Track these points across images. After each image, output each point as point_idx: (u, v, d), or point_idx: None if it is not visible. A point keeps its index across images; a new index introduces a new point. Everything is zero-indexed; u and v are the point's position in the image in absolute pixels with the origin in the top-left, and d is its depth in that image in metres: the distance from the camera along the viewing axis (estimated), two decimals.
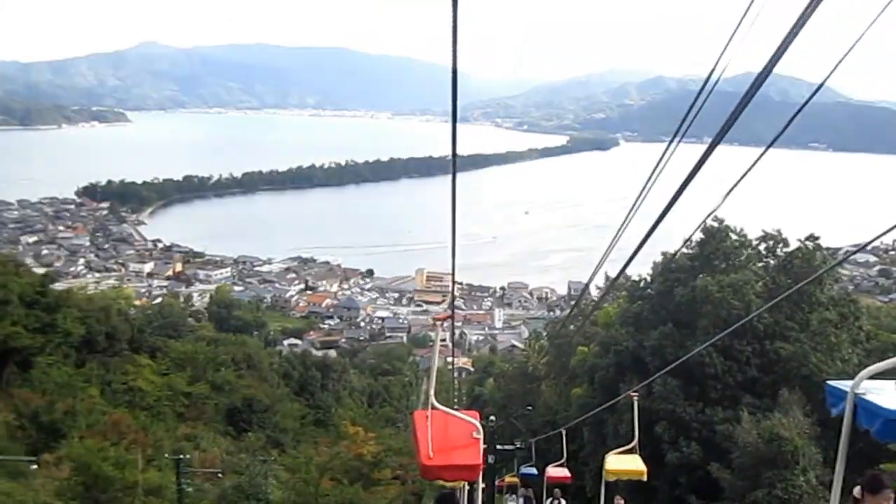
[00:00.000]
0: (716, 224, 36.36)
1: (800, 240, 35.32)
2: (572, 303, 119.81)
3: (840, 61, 5.78)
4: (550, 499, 25.57)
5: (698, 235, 36.64)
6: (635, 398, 20.72)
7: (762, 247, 37.21)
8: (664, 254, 38.11)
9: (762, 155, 6.57)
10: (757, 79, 5.15)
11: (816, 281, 31.35)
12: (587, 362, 41.08)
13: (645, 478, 19.19)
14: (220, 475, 32.36)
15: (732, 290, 32.13)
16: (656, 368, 30.27)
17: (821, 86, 6.38)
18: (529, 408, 41.49)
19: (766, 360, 31.82)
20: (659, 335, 34.12)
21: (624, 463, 19.51)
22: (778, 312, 31.58)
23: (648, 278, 42.04)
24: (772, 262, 36.79)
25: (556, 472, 28.73)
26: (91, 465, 25.84)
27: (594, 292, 60.28)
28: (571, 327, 53.79)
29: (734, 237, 37.19)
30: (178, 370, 53.79)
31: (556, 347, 54.94)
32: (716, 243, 36.49)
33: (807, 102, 6.52)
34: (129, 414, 40.42)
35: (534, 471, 32.36)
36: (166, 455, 32.59)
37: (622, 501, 21.62)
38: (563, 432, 28.72)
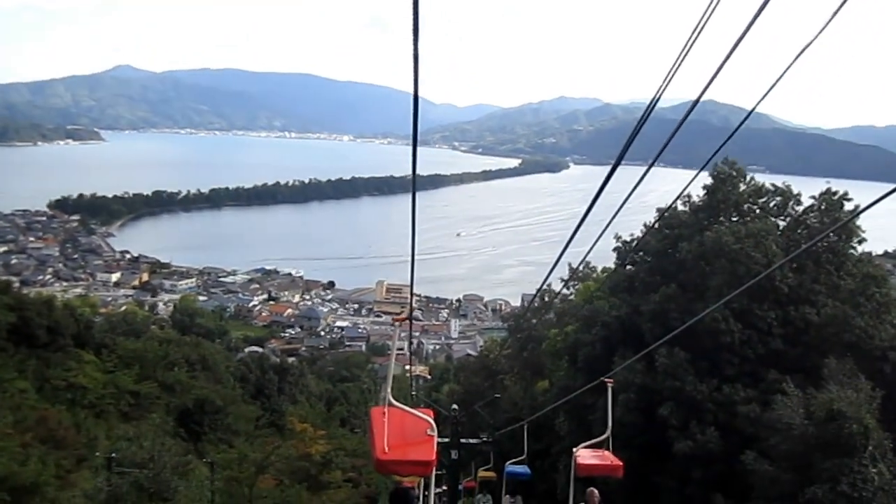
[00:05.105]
0: (727, 168, 29.94)
1: (813, 197, 29.27)
2: (529, 303, 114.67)
3: (769, 90, 6.06)
4: None
5: (706, 182, 30.13)
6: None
7: (772, 203, 30.52)
8: (659, 210, 31.33)
9: (700, 171, 8.50)
10: (688, 111, 5.58)
11: (845, 235, 26.15)
12: (570, 338, 34.70)
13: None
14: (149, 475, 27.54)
15: (753, 242, 25.39)
16: (656, 338, 22.28)
17: (751, 112, 7.09)
18: (497, 396, 36.54)
19: (792, 329, 24.98)
20: (661, 298, 27.34)
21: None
22: (802, 274, 25.56)
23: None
24: (781, 223, 30.06)
25: (593, 458, 15.63)
26: None
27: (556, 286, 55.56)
28: (534, 321, 49.41)
29: (742, 187, 30.53)
30: (126, 368, 48.23)
31: (519, 340, 50.02)
32: (727, 190, 29.77)
33: (738, 128, 7.63)
34: (67, 412, 35.92)
35: (525, 470, 23.61)
36: (97, 454, 29.45)
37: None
38: (609, 389, 15.48)
